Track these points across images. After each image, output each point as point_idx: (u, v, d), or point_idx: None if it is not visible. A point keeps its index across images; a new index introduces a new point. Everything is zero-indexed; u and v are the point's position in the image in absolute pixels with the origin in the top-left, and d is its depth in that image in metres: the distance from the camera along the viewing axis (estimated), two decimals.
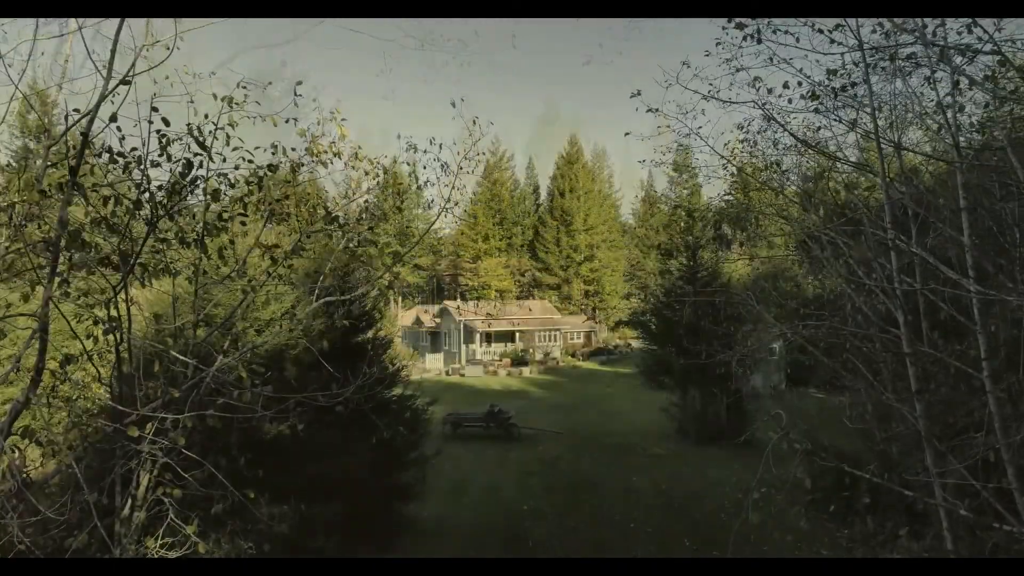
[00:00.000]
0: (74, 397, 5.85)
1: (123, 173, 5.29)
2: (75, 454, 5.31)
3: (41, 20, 4.64)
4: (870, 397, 8.24)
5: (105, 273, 5.32)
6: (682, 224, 76.55)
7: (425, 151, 6.67)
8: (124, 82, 4.48)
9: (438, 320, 52.08)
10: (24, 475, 4.58)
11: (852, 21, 5.88)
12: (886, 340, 7.15)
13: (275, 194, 6.08)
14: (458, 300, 53.91)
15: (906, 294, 6.71)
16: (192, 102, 5.16)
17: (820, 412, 11.51)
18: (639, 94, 6.56)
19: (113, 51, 4.76)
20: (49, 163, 5.19)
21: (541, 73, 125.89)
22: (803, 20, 5.69)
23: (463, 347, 48.91)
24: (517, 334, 49.76)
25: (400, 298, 75.92)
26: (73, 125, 4.69)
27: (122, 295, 5.31)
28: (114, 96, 4.52)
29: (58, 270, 4.79)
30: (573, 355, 51.25)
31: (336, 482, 11.38)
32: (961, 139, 5.97)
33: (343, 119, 6.00)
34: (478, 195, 72.28)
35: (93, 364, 5.53)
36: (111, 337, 5.25)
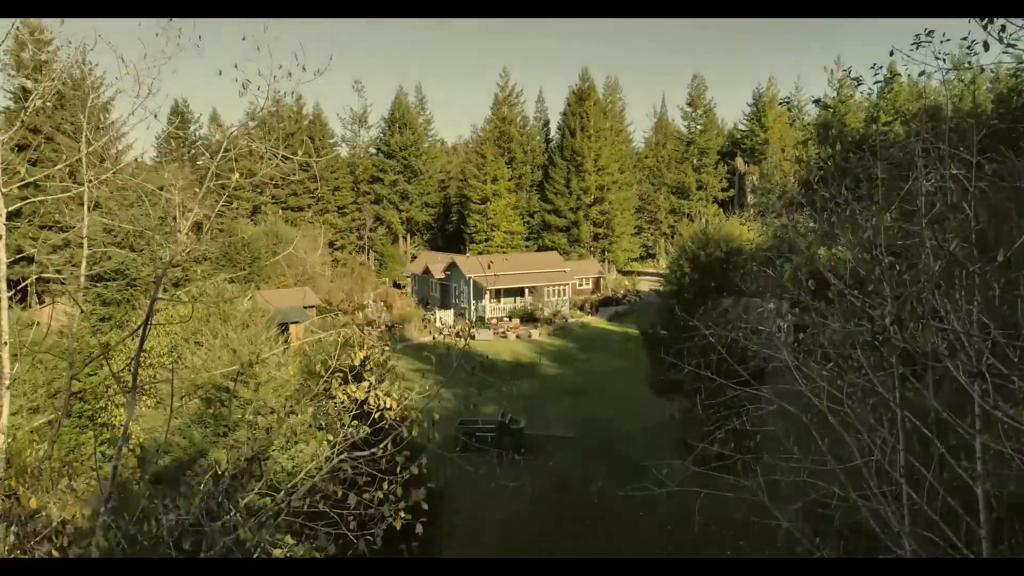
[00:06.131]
0: None
1: None
2: None
3: None
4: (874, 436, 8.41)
5: None
6: (694, 161, 74.75)
7: None
8: None
9: (448, 273, 52.33)
10: None
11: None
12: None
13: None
14: (466, 253, 53.93)
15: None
16: None
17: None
18: None
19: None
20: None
21: None
22: None
23: (473, 303, 49.45)
24: (526, 290, 50.14)
25: (409, 235, 75.81)
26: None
27: None
28: None
29: None
30: (581, 308, 51.67)
31: None
32: None
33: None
34: (486, 132, 70.46)
35: None
36: None
